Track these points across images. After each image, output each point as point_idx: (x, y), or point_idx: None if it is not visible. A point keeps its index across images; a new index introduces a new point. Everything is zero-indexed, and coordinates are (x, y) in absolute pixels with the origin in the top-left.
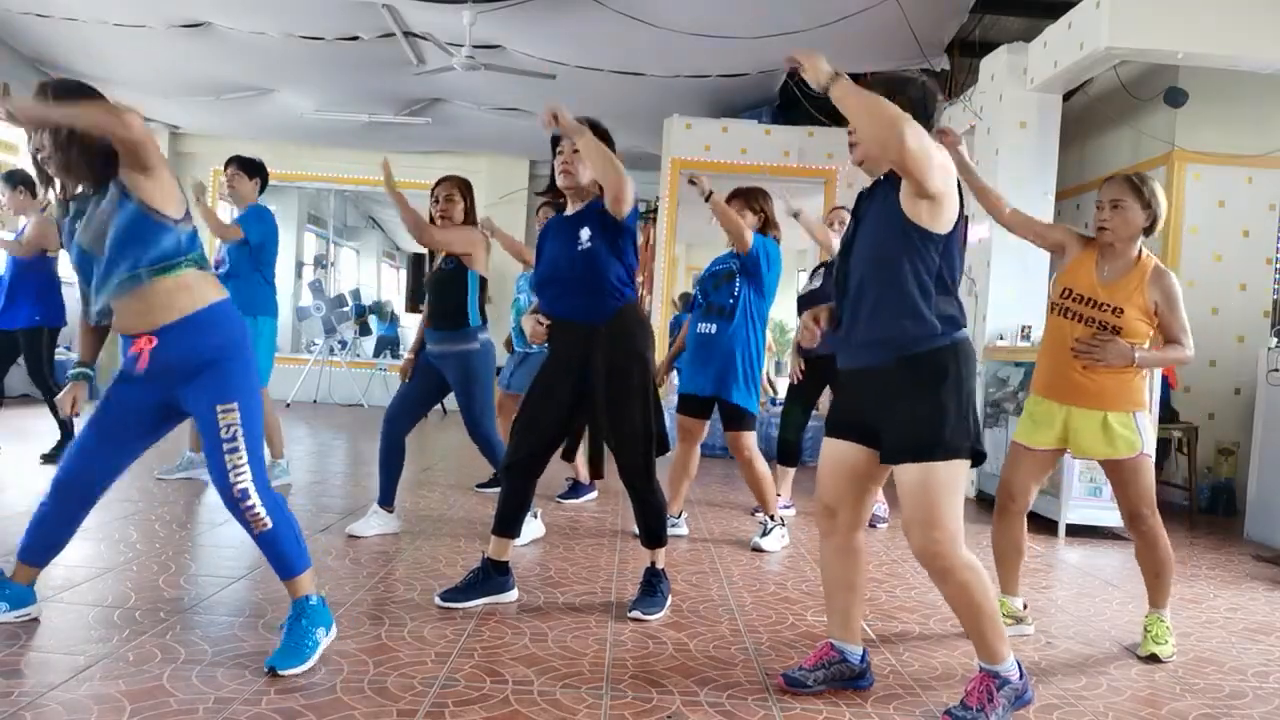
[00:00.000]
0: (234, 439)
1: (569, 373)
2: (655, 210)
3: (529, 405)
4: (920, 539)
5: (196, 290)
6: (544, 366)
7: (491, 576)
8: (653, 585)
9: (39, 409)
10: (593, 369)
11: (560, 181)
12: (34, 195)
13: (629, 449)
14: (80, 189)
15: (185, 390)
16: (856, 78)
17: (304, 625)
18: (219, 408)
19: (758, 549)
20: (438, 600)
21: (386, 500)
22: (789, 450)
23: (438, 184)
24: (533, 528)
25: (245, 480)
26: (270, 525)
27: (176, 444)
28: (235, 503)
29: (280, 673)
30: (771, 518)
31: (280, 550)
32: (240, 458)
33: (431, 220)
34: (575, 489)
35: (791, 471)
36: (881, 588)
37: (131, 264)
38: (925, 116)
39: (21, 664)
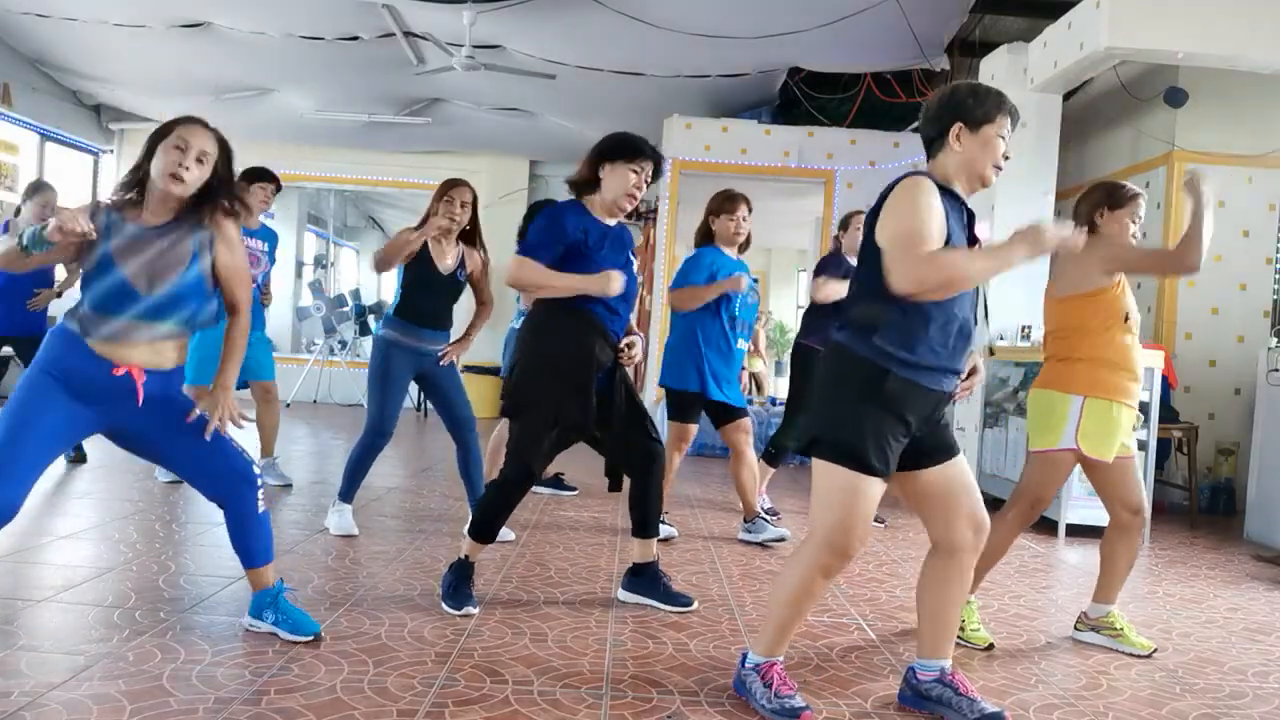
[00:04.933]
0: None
1: (595, 383)
2: (655, 210)
3: (562, 415)
4: (984, 519)
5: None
6: (575, 380)
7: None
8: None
9: None
10: (620, 376)
11: (628, 205)
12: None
13: (654, 434)
14: (144, 212)
15: (146, 418)
16: (856, 78)
17: (288, 602)
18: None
19: (771, 541)
20: (450, 608)
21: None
22: (781, 454)
23: (458, 185)
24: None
25: (255, 462)
26: (265, 506)
27: None
28: (253, 480)
29: (321, 635)
30: (759, 515)
31: (269, 532)
32: (240, 445)
33: (427, 219)
34: (557, 481)
35: (771, 471)
36: (882, 588)
37: (181, 320)
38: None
39: (21, 664)
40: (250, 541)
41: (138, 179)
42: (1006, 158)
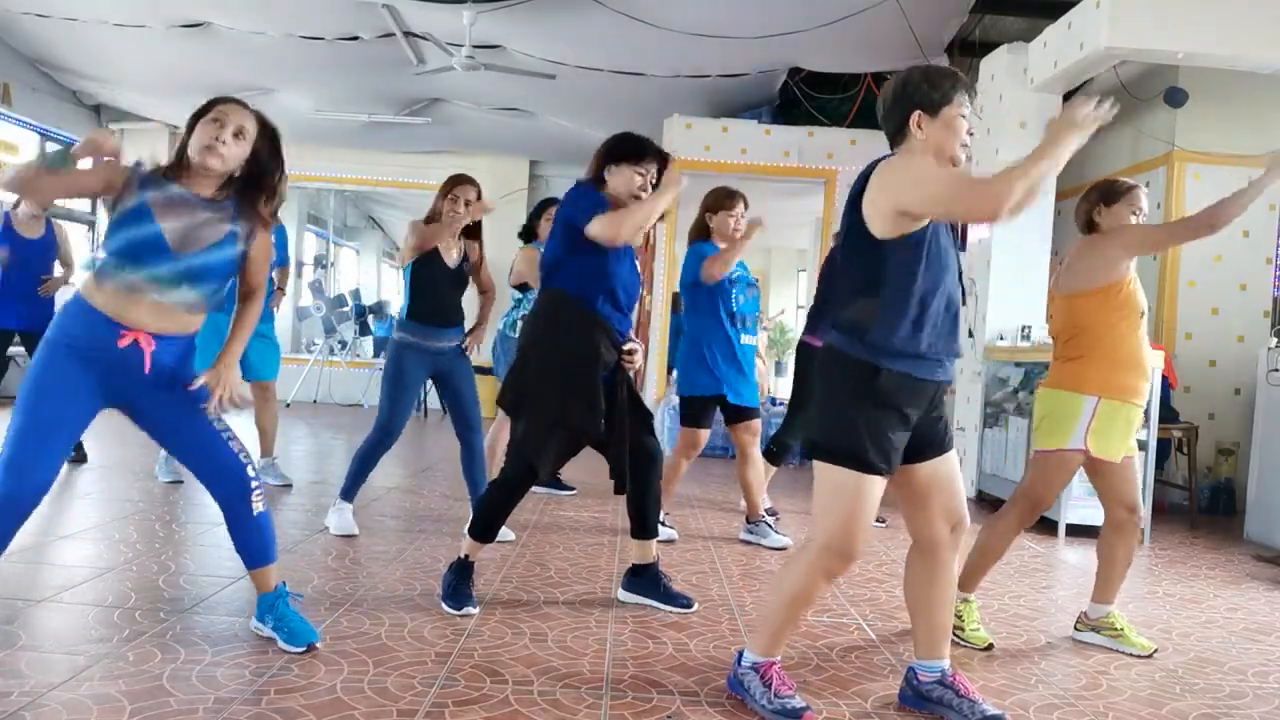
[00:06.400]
0: (230, 428)
1: (602, 383)
2: None
3: (567, 416)
4: (963, 516)
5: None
6: (581, 380)
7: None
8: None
9: None
10: (622, 376)
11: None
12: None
13: (654, 435)
14: (196, 188)
15: (153, 395)
16: (856, 78)
17: (290, 608)
18: (203, 406)
19: (773, 548)
20: (449, 608)
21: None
22: (782, 453)
23: (463, 182)
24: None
25: (252, 464)
26: (265, 507)
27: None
28: (247, 484)
29: (317, 645)
30: (762, 518)
31: (270, 532)
32: (241, 444)
33: (435, 216)
34: (555, 481)
35: (773, 471)
36: (882, 588)
37: (198, 292)
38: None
39: (21, 664)
40: (244, 543)
41: (178, 158)
42: (971, 134)
